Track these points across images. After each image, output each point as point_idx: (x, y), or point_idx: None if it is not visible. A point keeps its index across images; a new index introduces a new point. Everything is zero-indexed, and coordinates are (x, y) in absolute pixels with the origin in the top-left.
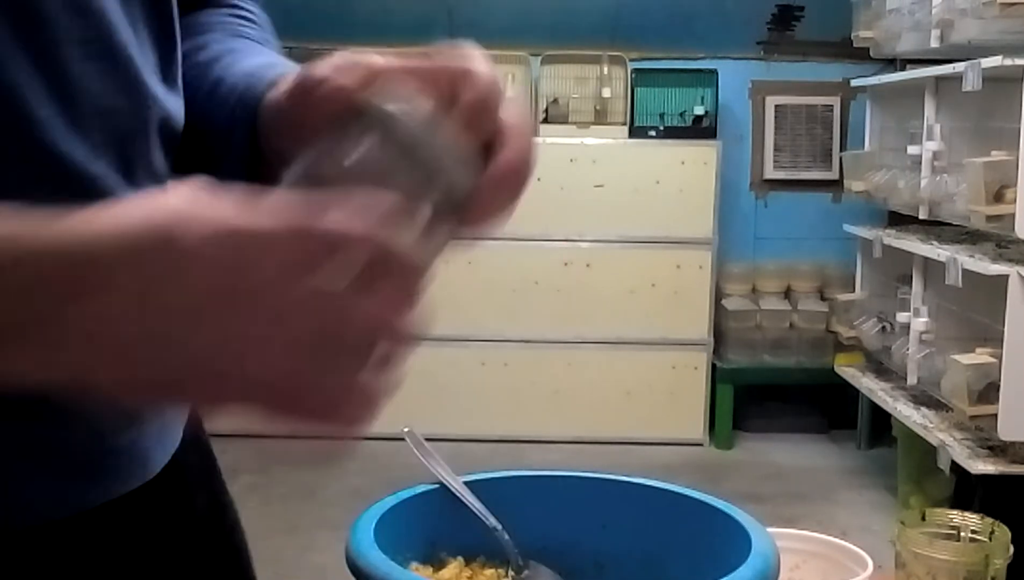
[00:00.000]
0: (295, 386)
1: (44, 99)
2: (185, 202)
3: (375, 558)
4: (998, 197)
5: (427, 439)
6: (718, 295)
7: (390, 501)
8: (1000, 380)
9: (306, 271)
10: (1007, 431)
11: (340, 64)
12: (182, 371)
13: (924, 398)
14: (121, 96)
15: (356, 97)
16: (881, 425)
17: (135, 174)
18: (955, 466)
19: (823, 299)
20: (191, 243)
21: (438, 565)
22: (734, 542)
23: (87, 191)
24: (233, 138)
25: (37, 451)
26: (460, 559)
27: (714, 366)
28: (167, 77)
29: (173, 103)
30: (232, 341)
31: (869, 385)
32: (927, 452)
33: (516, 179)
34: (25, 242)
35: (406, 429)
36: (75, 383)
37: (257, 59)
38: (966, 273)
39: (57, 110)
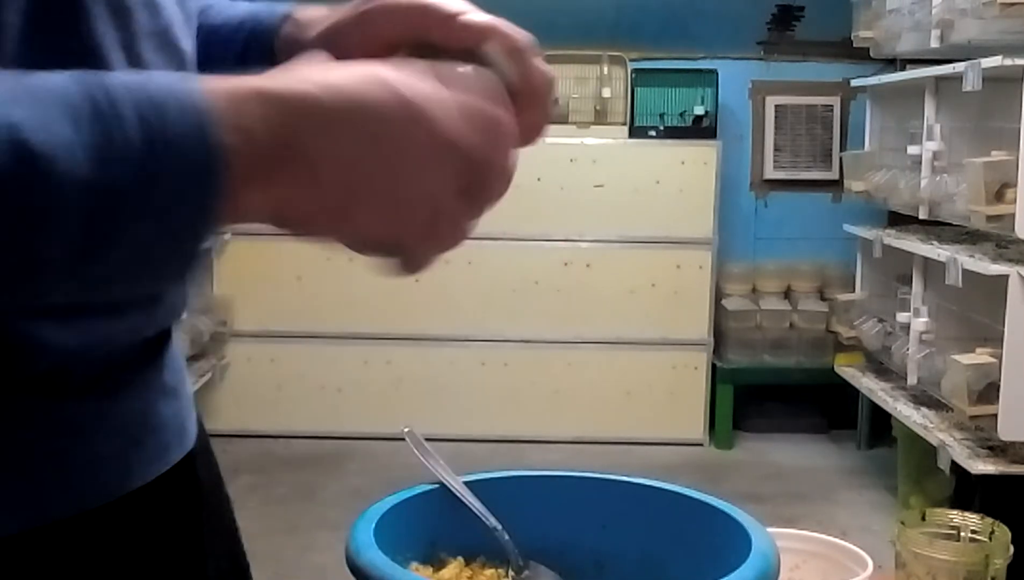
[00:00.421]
0: (448, 224)
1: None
2: (411, 74)
3: (375, 558)
4: (998, 197)
5: (427, 439)
6: (718, 295)
7: (390, 501)
8: (1000, 380)
9: (491, 143)
10: (1007, 431)
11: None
12: (385, 207)
13: (924, 398)
14: None
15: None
16: (881, 425)
17: None
18: (955, 466)
19: (823, 299)
20: (420, 103)
21: (438, 565)
22: (734, 542)
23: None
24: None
25: (106, 427)
26: (460, 559)
27: (714, 366)
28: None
29: None
30: (428, 186)
31: (869, 385)
32: (927, 452)
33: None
34: (281, 87)
35: (406, 429)
36: (301, 212)
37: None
38: (966, 273)
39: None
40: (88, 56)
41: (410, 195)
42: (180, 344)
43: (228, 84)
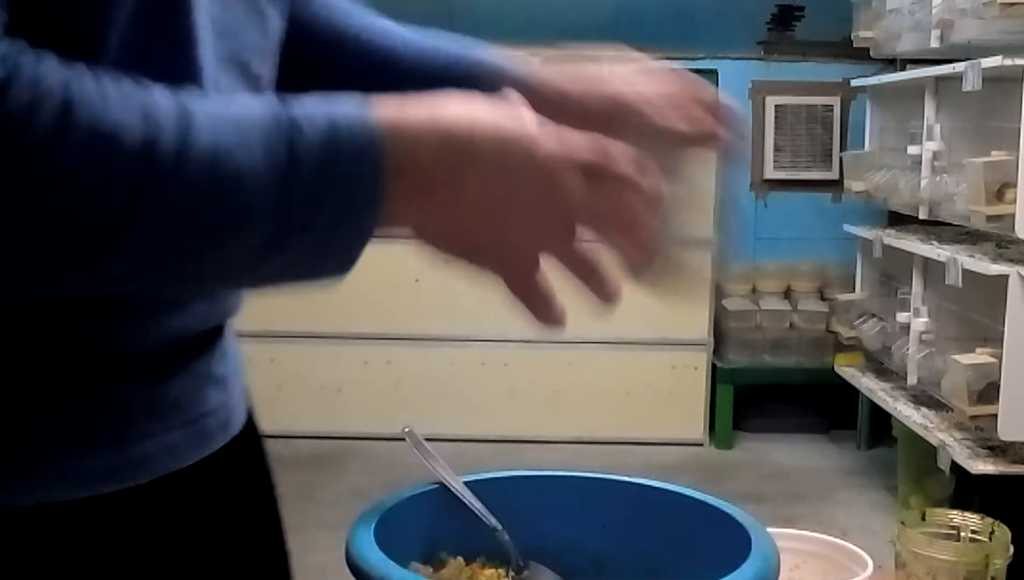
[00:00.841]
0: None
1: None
2: (533, 120)
3: (375, 558)
4: (999, 197)
5: (427, 439)
6: (718, 295)
7: (390, 501)
8: (1000, 380)
9: (598, 197)
10: (1007, 431)
11: (579, 82)
12: (493, 242)
13: (924, 398)
14: None
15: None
16: (881, 425)
17: None
18: (955, 466)
19: (823, 299)
20: (543, 151)
21: (438, 565)
22: (734, 542)
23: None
24: None
25: (158, 409)
26: (460, 559)
27: (714, 366)
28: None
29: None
30: (534, 228)
31: (869, 385)
32: (927, 452)
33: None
34: (447, 122)
35: (406, 429)
36: (440, 229)
37: (432, 40)
38: (966, 273)
39: None
40: (185, 72)
41: (520, 229)
42: (234, 337)
43: (400, 112)
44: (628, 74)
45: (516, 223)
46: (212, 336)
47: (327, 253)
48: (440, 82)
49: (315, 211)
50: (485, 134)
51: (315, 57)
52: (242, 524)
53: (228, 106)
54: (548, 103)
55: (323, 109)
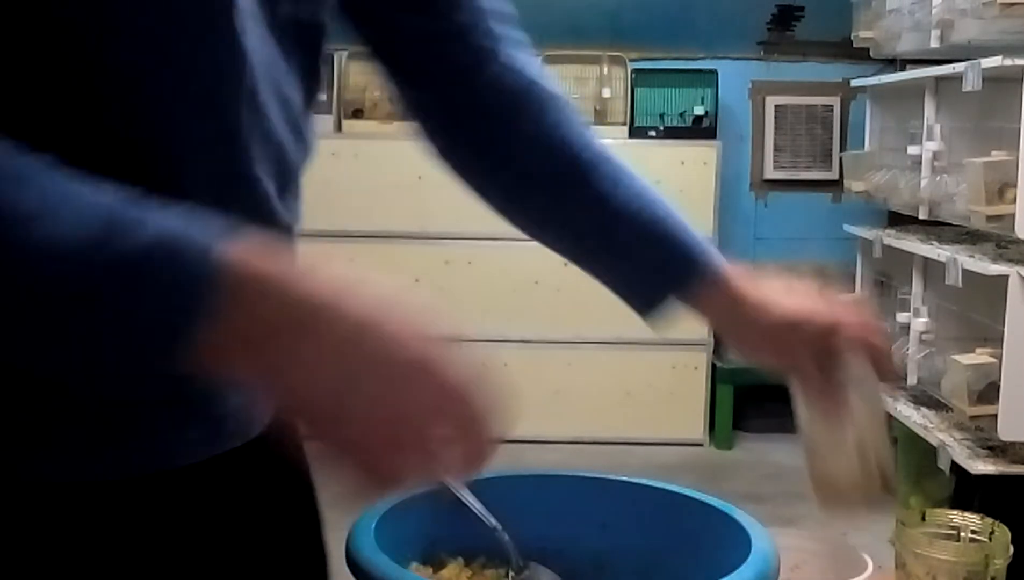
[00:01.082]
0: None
1: (253, 137)
2: (398, 300)
3: (375, 558)
4: (1000, 196)
5: None
6: None
7: (390, 501)
8: (1000, 380)
9: (437, 397)
10: (1007, 431)
11: (813, 310)
12: (328, 410)
13: (924, 398)
14: (287, 130)
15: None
16: None
17: (286, 192)
18: (955, 466)
19: None
20: (395, 330)
21: (438, 565)
22: (734, 542)
23: (265, 206)
24: (648, 286)
25: (187, 402)
26: (460, 559)
27: (714, 366)
28: (308, 120)
29: (311, 142)
30: (376, 418)
31: None
32: (927, 452)
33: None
34: (279, 286)
35: None
36: (253, 388)
37: (673, 221)
38: (966, 273)
39: (260, 149)
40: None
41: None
42: None
43: (254, 265)
44: (823, 297)
45: (359, 406)
46: None
47: (130, 347)
48: (638, 241)
49: (117, 303)
50: (343, 313)
51: (542, 170)
52: (272, 524)
53: (80, 187)
54: (756, 308)
55: (179, 221)
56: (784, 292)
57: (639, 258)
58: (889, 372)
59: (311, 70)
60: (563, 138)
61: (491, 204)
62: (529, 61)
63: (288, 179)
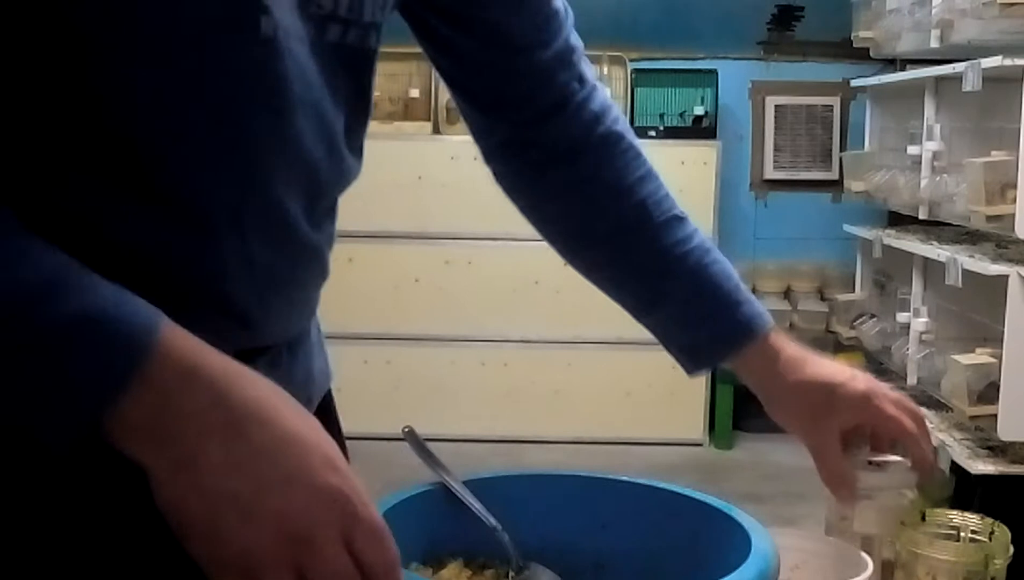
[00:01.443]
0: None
1: (273, 149)
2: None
3: None
4: (1001, 196)
5: (427, 439)
6: None
7: (390, 501)
8: (1000, 380)
9: (332, 522)
10: (1007, 431)
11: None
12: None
13: (924, 398)
14: (322, 150)
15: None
16: None
17: (314, 213)
18: (955, 466)
19: (823, 299)
20: (318, 453)
21: (438, 565)
22: (734, 542)
23: (287, 226)
24: (693, 339)
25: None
26: (460, 559)
27: None
28: (352, 142)
29: (352, 163)
30: (260, 512)
31: None
32: None
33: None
34: (228, 390)
35: (406, 429)
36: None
37: (731, 287)
38: (966, 273)
39: (286, 165)
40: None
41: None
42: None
43: (186, 355)
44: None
45: (260, 519)
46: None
47: (34, 402)
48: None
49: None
50: (264, 421)
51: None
52: None
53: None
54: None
55: (117, 294)
56: (826, 363)
57: (694, 324)
58: (927, 471)
59: (358, 92)
60: (631, 189)
61: (552, 243)
62: (606, 104)
63: (319, 199)
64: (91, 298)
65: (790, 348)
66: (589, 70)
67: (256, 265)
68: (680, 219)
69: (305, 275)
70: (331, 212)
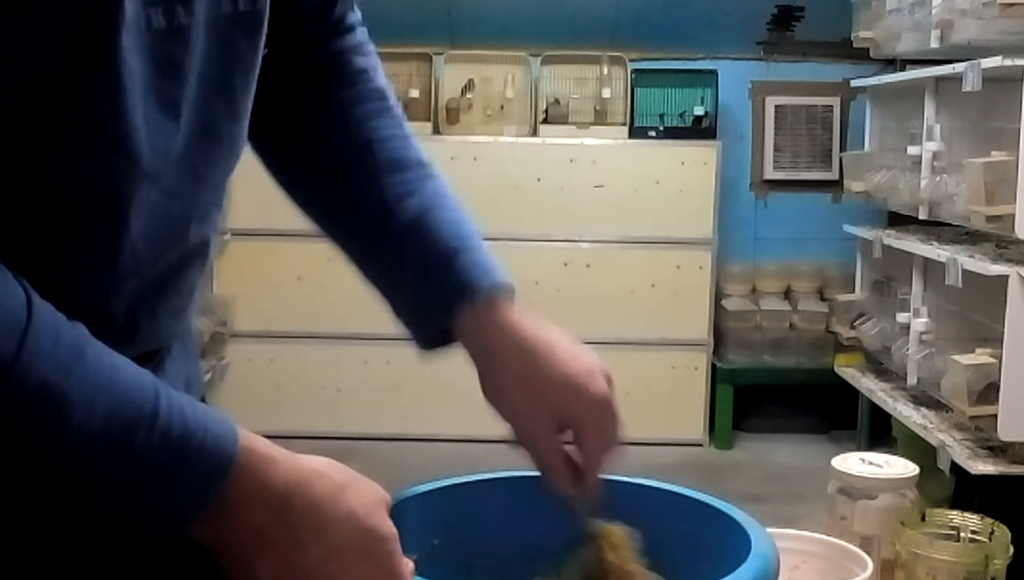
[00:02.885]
0: None
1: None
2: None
3: None
4: (1001, 197)
5: (427, 439)
6: (718, 295)
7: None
8: (1000, 380)
9: None
10: (1007, 431)
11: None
12: None
13: (924, 398)
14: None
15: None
16: (881, 425)
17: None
18: (955, 466)
19: (823, 299)
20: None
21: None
22: (734, 542)
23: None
24: (418, 303)
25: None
26: (461, 563)
27: (714, 366)
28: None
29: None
30: None
31: (869, 385)
32: (927, 452)
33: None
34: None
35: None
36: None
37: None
38: (966, 273)
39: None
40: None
41: None
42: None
43: (259, 472)
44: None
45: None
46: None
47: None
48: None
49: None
50: (319, 528)
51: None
52: None
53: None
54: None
55: (197, 413)
56: (561, 343)
57: (418, 282)
58: (583, 489)
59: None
60: (360, 121)
61: (287, 191)
62: (361, 47)
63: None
64: (179, 424)
65: (515, 317)
66: (367, 42)
67: (142, 264)
68: (411, 163)
69: (191, 271)
70: (217, 201)
